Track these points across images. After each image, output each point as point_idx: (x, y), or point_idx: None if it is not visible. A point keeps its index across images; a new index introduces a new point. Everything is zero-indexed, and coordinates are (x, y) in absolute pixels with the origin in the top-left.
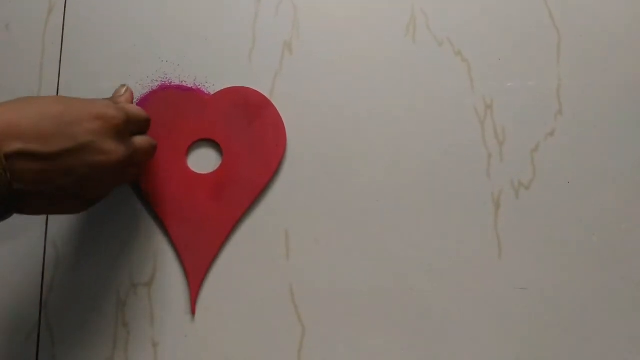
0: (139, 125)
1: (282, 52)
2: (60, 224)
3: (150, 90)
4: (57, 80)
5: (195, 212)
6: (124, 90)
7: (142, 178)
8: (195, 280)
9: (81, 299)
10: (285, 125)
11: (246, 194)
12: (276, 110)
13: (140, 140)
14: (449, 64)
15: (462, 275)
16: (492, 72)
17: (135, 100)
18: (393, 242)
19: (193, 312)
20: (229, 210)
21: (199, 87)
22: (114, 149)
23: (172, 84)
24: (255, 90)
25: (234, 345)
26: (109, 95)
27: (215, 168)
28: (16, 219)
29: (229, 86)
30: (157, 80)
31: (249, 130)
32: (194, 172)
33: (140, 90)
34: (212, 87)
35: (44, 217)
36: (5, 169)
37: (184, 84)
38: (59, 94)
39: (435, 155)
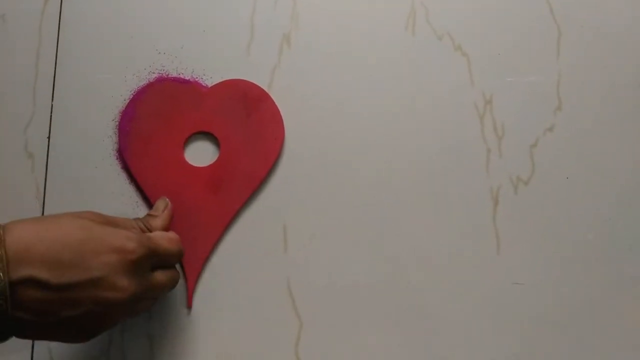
0: (166, 259)
1: (281, 45)
2: None
3: (148, 82)
4: (53, 72)
5: (192, 205)
6: (162, 207)
7: (138, 171)
8: (192, 274)
9: None
10: (283, 118)
11: (244, 187)
12: (274, 103)
13: (160, 276)
14: (448, 58)
15: (460, 270)
16: (491, 67)
17: (132, 92)
18: (391, 236)
19: (189, 305)
20: (226, 203)
21: (197, 79)
22: (125, 286)
23: (170, 76)
24: (253, 83)
25: (231, 339)
26: (106, 87)
27: (213, 161)
28: None
29: (226, 79)
30: (154, 72)
31: (246, 123)
32: (191, 165)
33: (137, 82)
34: (210, 79)
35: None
36: (7, 298)
37: (181, 76)
38: (54, 87)
39: (434, 149)
